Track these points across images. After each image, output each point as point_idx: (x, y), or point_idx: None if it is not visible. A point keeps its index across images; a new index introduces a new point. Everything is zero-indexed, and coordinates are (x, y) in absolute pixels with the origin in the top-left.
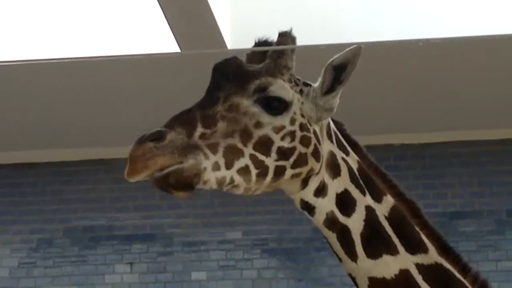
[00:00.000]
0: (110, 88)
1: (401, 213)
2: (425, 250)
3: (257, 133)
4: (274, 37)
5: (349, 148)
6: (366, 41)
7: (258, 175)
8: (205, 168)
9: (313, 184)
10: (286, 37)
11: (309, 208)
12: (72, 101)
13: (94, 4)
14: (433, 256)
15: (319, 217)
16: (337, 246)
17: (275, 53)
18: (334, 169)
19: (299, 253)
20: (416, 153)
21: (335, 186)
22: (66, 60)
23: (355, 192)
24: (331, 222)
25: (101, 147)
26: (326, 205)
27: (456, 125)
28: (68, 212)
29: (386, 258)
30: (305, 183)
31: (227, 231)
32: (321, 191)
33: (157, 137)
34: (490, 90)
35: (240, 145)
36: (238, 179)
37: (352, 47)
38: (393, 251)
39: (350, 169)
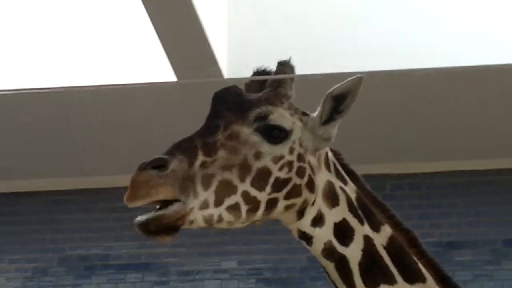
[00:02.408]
0: (107, 117)
1: (399, 243)
2: (423, 280)
3: (256, 165)
4: (272, 66)
5: (347, 178)
6: (363, 70)
7: (248, 211)
8: (191, 209)
9: (310, 214)
10: (285, 66)
11: (306, 238)
12: (68, 130)
13: (91, 34)
14: (431, 286)
15: (317, 247)
16: (335, 275)
17: (275, 82)
18: (331, 199)
19: (294, 282)
20: (412, 183)
21: (333, 215)
22: (61, 89)
23: (353, 222)
24: (329, 252)
25: (97, 177)
26: (324, 235)
27: (452, 155)
28: (63, 241)
29: (384, 287)
30: (301, 213)
31: (223, 261)
32: (318, 221)
33: (160, 164)
34: (486, 120)
35: (236, 181)
36: (227, 216)
37: (353, 77)
38: (391, 281)
39: (348, 199)
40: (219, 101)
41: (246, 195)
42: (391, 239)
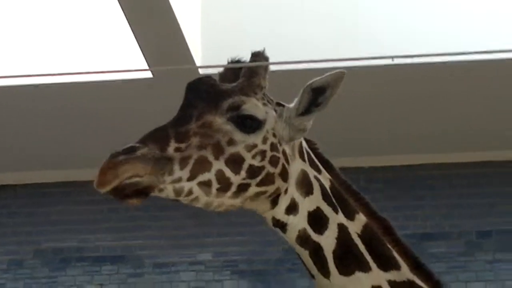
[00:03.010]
0: (81, 110)
1: (373, 231)
2: (397, 267)
3: (229, 150)
4: (246, 57)
5: (321, 167)
6: (337, 65)
7: (218, 189)
8: (164, 182)
9: (283, 202)
10: (259, 57)
11: (281, 225)
12: (42, 123)
13: (64, 26)
14: (405, 273)
15: (292, 235)
16: (309, 263)
17: (249, 73)
18: (305, 187)
19: (269, 274)
20: (386, 176)
21: (307, 204)
22: (36, 83)
23: (327, 210)
24: (303, 239)
25: (72, 169)
26: (298, 222)
27: (426, 147)
28: (38, 234)
29: (359, 275)
30: (274, 202)
31: (198, 253)
32: (292, 209)
33: (130, 151)
34: (461, 113)
35: (211, 158)
36: (197, 190)
37: (335, 71)
38: (366, 268)
39: (322, 187)
40: (192, 91)
41: (220, 174)
42: (366, 227)
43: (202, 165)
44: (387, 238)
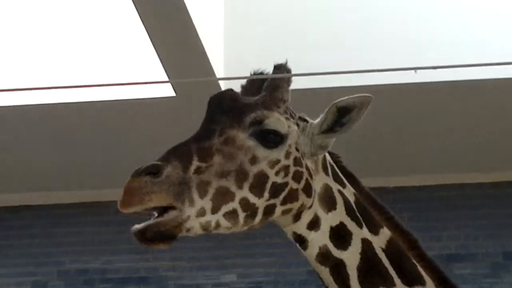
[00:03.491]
0: (103, 130)
1: (398, 246)
2: (422, 282)
3: (253, 171)
4: (269, 71)
5: (345, 181)
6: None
7: (246, 217)
8: (188, 217)
9: (306, 217)
10: (281, 69)
11: (301, 240)
12: (63, 143)
13: (88, 45)
14: None
15: (312, 251)
16: (330, 281)
17: (271, 86)
18: (328, 203)
19: None
20: (411, 196)
21: (330, 219)
22: (57, 103)
23: (351, 225)
24: (324, 256)
25: (94, 190)
26: (319, 238)
27: (451, 167)
28: (62, 255)
29: None
30: (297, 216)
31: (222, 274)
32: (314, 224)
33: (154, 171)
34: (484, 133)
35: (233, 188)
36: (224, 223)
37: (363, 94)
38: (390, 284)
39: (346, 202)
40: (214, 105)
41: (244, 202)
42: (390, 242)
43: (224, 196)
44: (412, 253)
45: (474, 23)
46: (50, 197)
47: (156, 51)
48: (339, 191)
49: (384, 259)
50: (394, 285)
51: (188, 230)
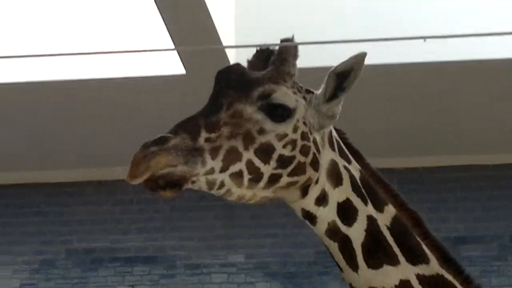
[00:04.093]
0: (114, 107)
1: (402, 223)
2: (426, 261)
3: (260, 139)
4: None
5: (351, 157)
6: (367, 45)
7: (250, 180)
8: (197, 174)
9: (314, 193)
10: (282, 47)
11: (310, 217)
12: (73, 121)
13: (101, 24)
14: (434, 267)
15: (321, 227)
16: (338, 255)
17: (278, 61)
18: (335, 178)
19: (301, 277)
20: (420, 177)
21: (337, 195)
22: (69, 80)
23: (356, 202)
24: (332, 231)
25: (103, 168)
26: (327, 214)
27: (460, 149)
28: (70, 234)
29: (387, 268)
30: (305, 192)
31: (230, 254)
32: (322, 200)
33: (161, 141)
34: (492, 116)
35: (241, 148)
36: (229, 182)
37: (356, 54)
38: (394, 261)
39: (352, 178)
40: (222, 80)
41: (249, 164)
42: (395, 219)
43: (232, 155)
44: (416, 231)
45: None
46: (58, 176)
47: (166, 25)
48: (345, 167)
49: (389, 237)
50: (399, 262)
51: (193, 182)
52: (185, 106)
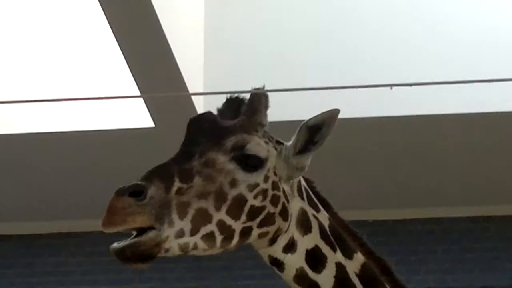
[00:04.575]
0: (81, 161)
1: (371, 271)
2: None
3: (232, 194)
4: (246, 96)
5: (320, 205)
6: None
7: (223, 240)
8: (167, 237)
9: (282, 241)
10: (257, 95)
11: (277, 263)
12: (42, 174)
13: (67, 73)
14: None
15: (289, 273)
16: None
17: (249, 111)
18: (304, 226)
19: None
20: (389, 230)
21: (306, 242)
22: (37, 133)
23: (325, 249)
24: (300, 278)
25: (72, 220)
26: (295, 261)
27: (429, 202)
28: (40, 285)
29: None
30: (273, 241)
31: None
32: (290, 247)
33: (137, 191)
34: (464, 169)
35: (211, 210)
36: (202, 245)
37: (330, 109)
38: None
39: (321, 226)
40: (194, 127)
41: (221, 224)
42: (364, 267)
43: (202, 217)
44: (385, 278)
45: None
46: (27, 228)
47: (136, 83)
48: (314, 215)
49: (358, 284)
50: None
51: (167, 250)
52: (154, 159)
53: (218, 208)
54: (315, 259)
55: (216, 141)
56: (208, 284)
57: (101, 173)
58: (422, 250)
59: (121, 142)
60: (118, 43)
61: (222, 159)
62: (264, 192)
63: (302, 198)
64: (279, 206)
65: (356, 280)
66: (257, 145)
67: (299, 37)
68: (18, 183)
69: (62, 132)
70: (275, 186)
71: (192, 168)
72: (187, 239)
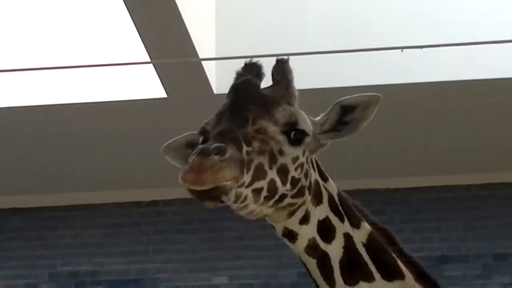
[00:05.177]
0: (95, 132)
1: (378, 240)
2: (401, 277)
3: (280, 160)
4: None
5: (327, 175)
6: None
7: (265, 198)
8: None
9: (299, 213)
10: (285, 64)
11: (291, 235)
12: (57, 146)
13: (77, 41)
14: (409, 283)
15: (301, 243)
16: (316, 272)
17: (284, 81)
18: (317, 197)
19: None
20: (402, 198)
21: (318, 213)
22: (51, 105)
23: (334, 220)
24: (312, 248)
25: (86, 192)
26: (308, 231)
27: (442, 170)
28: (53, 258)
29: (363, 285)
30: (292, 213)
31: (213, 276)
32: (305, 219)
33: (221, 151)
34: (474, 135)
35: (266, 166)
36: (250, 197)
37: (369, 93)
38: (370, 278)
39: (330, 196)
40: (241, 92)
41: (271, 183)
42: (370, 236)
43: (260, 172)
44: (390, 248)
45: None
46: (41, 200)
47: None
48: (324, 186)
49: (365, 254)
50: (374, 279)
51: (227, 194)
52: (166, 129)
53: (270, 166)
54: (326, 230)
55: (265, 110)
56: (220, 254)
57: (114, 144)
58: (434, 218)
59: (134, 113)
60: (129, 12)
61: (273, 129)
62: (302, 165)
63: (314, 169)
64: (309, 180)
65: (363, 250)
66: (304, 121)
67: (310, 3)
68: (30, 155)
69: (73, 104)
70: (308, 160)
71: (249, 133)
72: (243, 190)
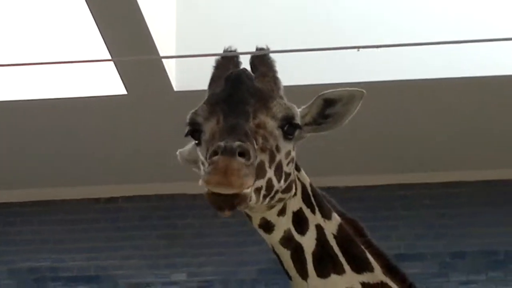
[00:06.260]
0: (55, 129)
1: (347, 232)
2: (371, 269)
3: (277, 157)
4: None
5: (299, 166)
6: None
7: (263, 196)
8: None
9: (279, 205)
10: (267, 55)
11: (268, 226)
12: (14, 142)
13: (42, 44)
14: (378, 275)
15: (277, 235)
16: (289, 263)
17: (271, 73)
18: (293, 188)
19: None
20: (360, 195)
21: (292, 204)
22: (10, 101)
23: (306, 211)
24: (287, 240)
25: (45, 189)
26: (284, 223)
27: (399, 167)
28: (13, 254)
29: (334, 277)
30: (273, 205)
31: (172, 273)
32: (283, 210)
33: (244, 152)
34: (434, 133)
35: (266, 165)
36: (252, 197)
37: (354, 88)
38: (340, 271)
39: (303, 186)
40: (238, 83)
41: (269, 182)
42: (340, 227)
43: (261, 171)
44: (359, 240)
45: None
46: (2, 196)
47: (109, 51)
48: (297, 176)
49: (335, 246)
50: (344, 271)
51: (246, 203)
52: (126, 126)
53: (270, 165)
54: (300, 221)
55: (263, 103)
56: (180, 251)
57: (73, 141)
58: (392, 216)
59: (94, 110)
60: (89, 8)
61: (271, 124)
62: (292, 160)
63: None
64: (294, 174)
65: (333, 242)
66: (298, 114)
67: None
68: None
69: (32, 100)
70: (295, 154)
71: (252, 128)
72: (248, 191)
